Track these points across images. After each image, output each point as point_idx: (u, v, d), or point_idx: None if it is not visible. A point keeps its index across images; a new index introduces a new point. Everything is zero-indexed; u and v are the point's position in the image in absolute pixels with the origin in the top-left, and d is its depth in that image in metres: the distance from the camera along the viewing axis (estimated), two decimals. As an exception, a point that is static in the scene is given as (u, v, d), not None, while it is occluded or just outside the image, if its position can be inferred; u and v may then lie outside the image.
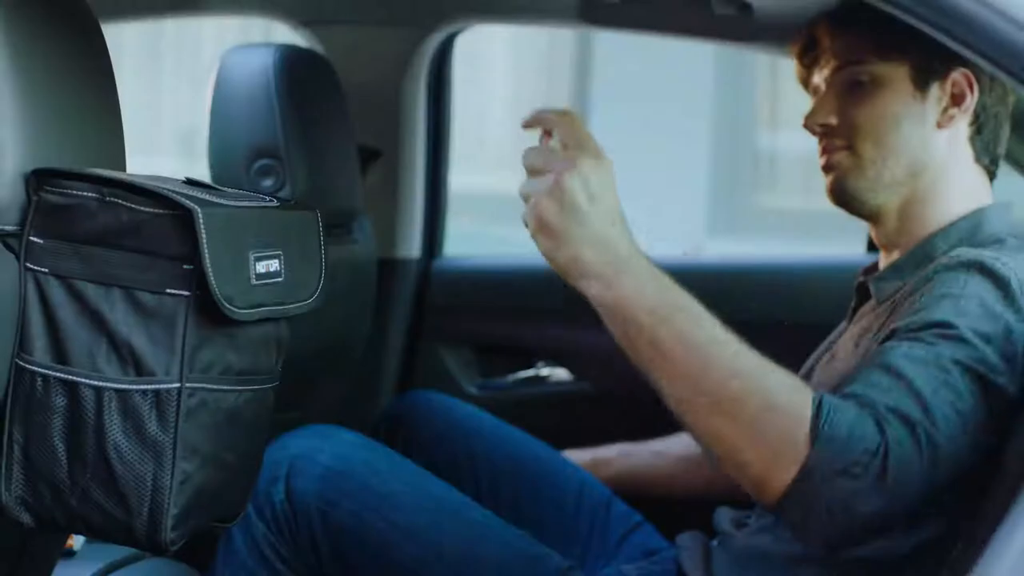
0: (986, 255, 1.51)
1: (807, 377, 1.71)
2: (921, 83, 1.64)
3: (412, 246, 2.52)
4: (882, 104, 1.65)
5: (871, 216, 1.69)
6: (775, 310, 2.31)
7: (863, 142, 1.65)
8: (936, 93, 1.64)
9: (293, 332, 1.30)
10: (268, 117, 1.92)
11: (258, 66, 1.93)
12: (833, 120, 1.68)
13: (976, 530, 1.37)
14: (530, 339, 2.49)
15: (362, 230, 2.15)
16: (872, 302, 1.66)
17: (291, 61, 1.95)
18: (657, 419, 2.19)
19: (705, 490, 2.04)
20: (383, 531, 1.71)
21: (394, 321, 2.48)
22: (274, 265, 1.22)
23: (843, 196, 1.68)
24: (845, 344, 1.63)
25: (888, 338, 1.46)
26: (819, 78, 1.73)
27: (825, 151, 1.70)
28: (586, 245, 1.37)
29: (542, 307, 2.44)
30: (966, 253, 1.54)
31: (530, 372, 2.49)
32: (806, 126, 1.72)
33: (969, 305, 1.45)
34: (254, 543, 1.73)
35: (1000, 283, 1.47)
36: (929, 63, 1.64)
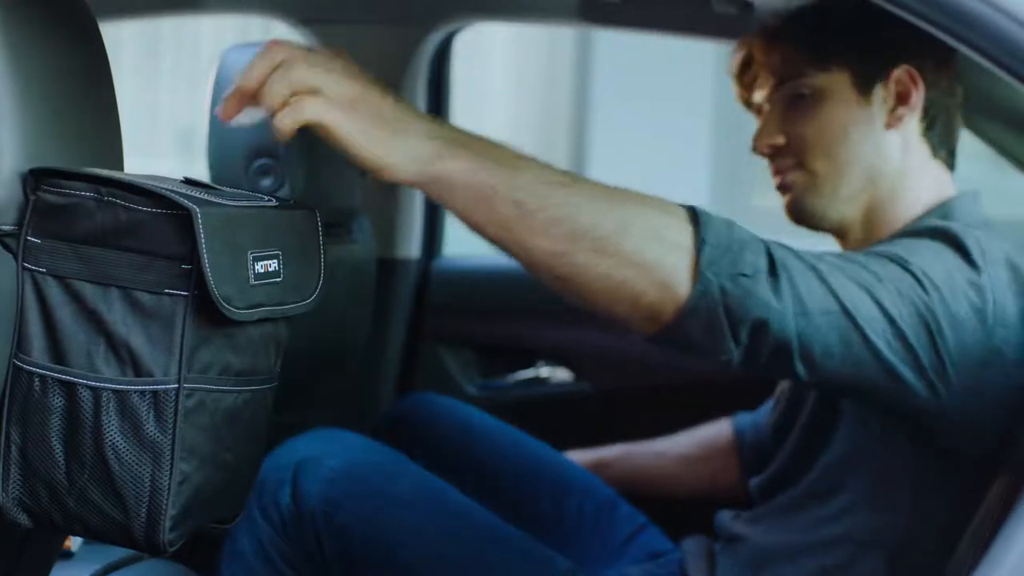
0: (952, 224, 1.49)
1: None
2: (864, 88, 1.61)
3: (412, 246, 2.52)
4: (827, 116, 1.61)
5: (835, 231, 1.66)
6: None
7: (814, 157, 1.62)
8: (881, 95, 1.61)
9: (292, 332, 1.30)
10: (267, 116, 1.91)
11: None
12: (780, 140, 1.65)
13: (977, 530, 1.37)
14: (530, 339, 2.48)
15: (362, 230, 2.15)
16: None
17: (290, 60, 1.94)
18: (658, 419, 2.20)
19: (707, 489, 2.04)
20: (389, 534, 1.70)
21: (394, 321, 2.48)
22: (273, 265, 1.22)
23: (802, 215, 1.65)
24: None
25: None
26: (760, 97, 1.69)
27: (777, 172, 1.66)
28: (408, 128, 1.27)
29: (542, 307, 2.44)
30: (930, 221, 1.53)
31: (530, 372, 2.49)
32: (754, 150, 1.68)
33: (923, 259, 1.43)
34: (260, 546, 1.72)
35: (960, 249, 1.45)
36: (869, 66, 1.61)
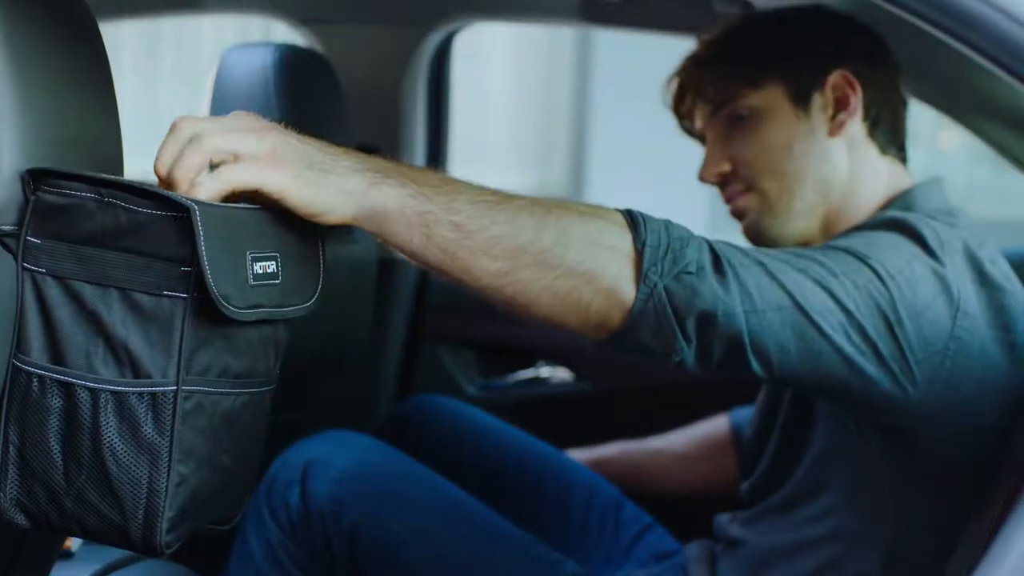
0: (908, 215, 1.48)
1: None
2: (800, 100, 1.59)
3: (412, 246, 2.51)
4: (768, 134, 1.60)
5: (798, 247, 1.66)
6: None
7: (762, 179, 1.61)
8: (819, 103, 1.59)
9: (292, 332, 1.29)
10: (267, 116, 1.91)
11: (257, 65, 1.92)
12: (726, 166, 1.64)
13: (977, 531, 1.37)
14: (530, 339, 2.48)
15: (362, 230, 2.14)
16: None
17: (290, 60, 1.94)
18: (658, 419, 2.20)
19: (706, 486, 2.04)
20: (397, 535, 1.70)
21: (394, 321, 2.48)
22: (272, 266, 1.22)
23: (760, 238, 1.63)
24: None
25: None
26: (700, 124, 1.68)
27: (729, 199, 1.65)
28: (335, 166, 1.23)
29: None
30: (886, 214, 1.52)
31: (530, 372, 2.48)
32: (702, 179, 1.67)
33: (880, 249, 1.41)
34: (269, 547, 1.73)
35: (917, 239, 1.43)
36: (802, 78, 1.59)
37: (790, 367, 1.35)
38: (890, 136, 1.63)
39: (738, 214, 1.65)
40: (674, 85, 1.71)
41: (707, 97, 1.65)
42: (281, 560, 1.72)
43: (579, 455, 2.12)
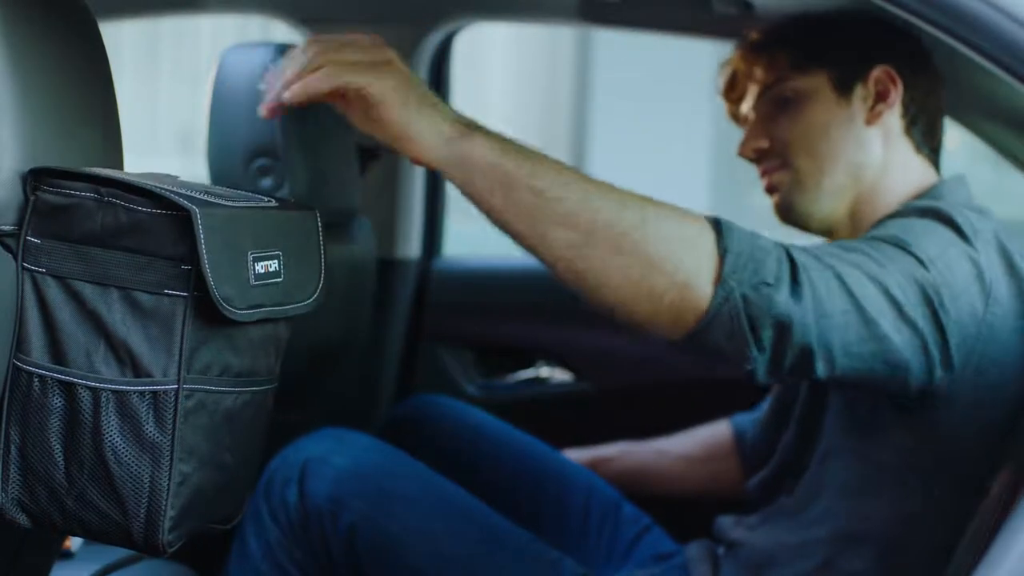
0: (942, 204, 1.53)
1: None
2: (843, 87, 1.66)
3: (411, 246, 2.52)
4: (808, 115, 1.66)
5: (823, 230, 1.70)
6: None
7: (797, 156, 1.67)
8: (860, 93, 1.66)
9: (292, 332, 1.29)
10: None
11: (257, 65, 1.92)
12: (764, 143, 1.70)
13: (977, 531, 1.37)
14: (530, 339, 2.48)
15: (361, 230, 2.14)
16: None
17: (290, 60, 1.94)
18: (658, 419, 2.20)
19: (707, 489, 2.04)
20: (396, 534, 1.70)
21: (394, 321, 2.47)
22: (273, 265, 1.22)
23: (790, 213, 1.69)
24: None
25: None
26: (747, 107, 1.74)
27: (764, 173, 1.71)
28: (435, 103, 1.32)
29: (542, 307, 2.44)
30: (918, 203, 1.56)
31: (530, 372, 2.48)
32: (741, 155, 1.74)
33: (917, 236, 1.46)
34: (268, 546, 1.73)
35: (953, 226, 1.49)
36: (848, 68, 1.66)
37: (850, 367, 1.39)
38: (925, 136, 1.69)
39: (771, 189, 1.71)
40: (727, 71, 1.76)
41: (756, 78, 1.72)
42: (279, 559, 1.72)
43: (578, 455, 2.11)
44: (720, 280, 1.31)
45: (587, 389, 2.44)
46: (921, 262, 1.42)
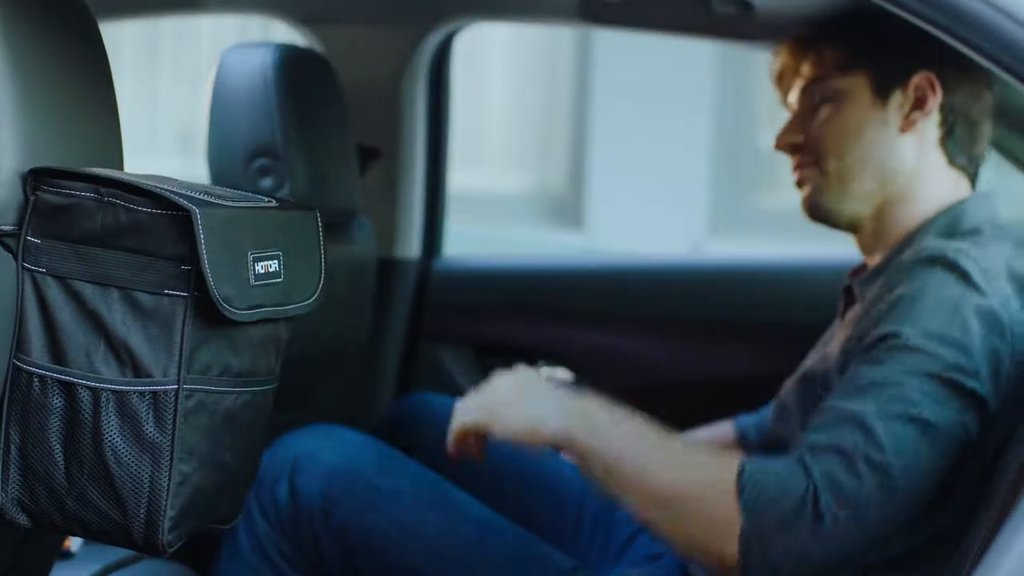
0: (950, 248, 1.54)
1: (801, 379, 1.70)
2: (882, 91, 1.66)
3: (411, 246, 2.52)
4: (843, 116, 1.67)
5: (848, 227, 1.72)
6: (775, 309, 2.31)
7: (827, 155, 1.68)
8: (898, 99, 1.66)
9: (292, 332, 1.29)
10: (267, 116, 1.91)
11: (257, 65, 1.92)
12: (799, 138, 1.72)
13: (977, 533, 1.37)
14: (530, 339, 2.48)
15: (361, 230, 2.14)
16: (858, 305, 1.66)
17: (290, 60, 1.94)
18: (657, 419, 2.19)
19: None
20: (387, 530, 1.70)
21: (394, 321, 2.47)
22: (273, 266, 1.22)
23: (816, 210, 1.71)
24: (833, 348, 1.63)
25: (849, 355, 1.53)
26: (792, 99, 1.76)
27: (796, 168, 1.73)
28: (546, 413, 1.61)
29: (542, 307, 2.44)
30: (930, 247, 1.55)
31: (530, 372, 2.48)
32: (776, 147, 1.76)
33: (924, 306, 1.49)
34: (258, 542, 1.72)
35: (961, 275, 1.50)
36: (888, 72, 1.66)
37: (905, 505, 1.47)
38: (962, 148, 1.68)
39: (800, 183, 1.73)
40: (778, 63, 1.78)
41: (800, 73, 1.73)
42: (270, 555, 1.72)
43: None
44: (743, 536, 1.44)
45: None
46: (940, 357, 1.45)
